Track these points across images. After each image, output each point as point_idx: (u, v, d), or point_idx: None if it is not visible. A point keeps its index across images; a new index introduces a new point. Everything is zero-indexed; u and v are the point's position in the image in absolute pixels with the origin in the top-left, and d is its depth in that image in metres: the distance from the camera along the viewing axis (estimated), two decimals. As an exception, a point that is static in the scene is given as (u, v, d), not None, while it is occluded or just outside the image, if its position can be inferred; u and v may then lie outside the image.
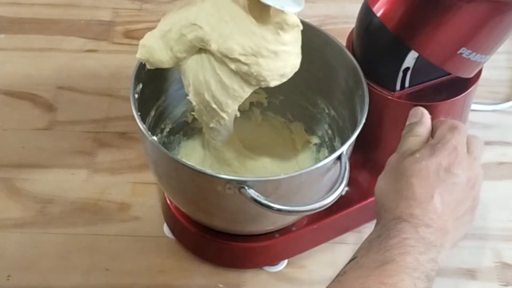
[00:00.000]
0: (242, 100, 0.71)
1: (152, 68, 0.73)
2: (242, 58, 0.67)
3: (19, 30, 1.13)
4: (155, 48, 0.72)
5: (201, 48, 0.70)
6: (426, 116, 0.73)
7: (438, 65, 0.72)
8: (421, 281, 0.62)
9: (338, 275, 0.64)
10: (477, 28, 0.69)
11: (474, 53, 0.71)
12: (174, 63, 0.72)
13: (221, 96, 0.71)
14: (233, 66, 0.67)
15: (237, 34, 0.66)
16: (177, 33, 0.70)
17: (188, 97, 0.74)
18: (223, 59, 0.68)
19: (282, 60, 0.68)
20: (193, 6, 0.71)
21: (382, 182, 0.71)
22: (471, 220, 0.71)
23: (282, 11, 0.65)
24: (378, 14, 0.72)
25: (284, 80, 0.70)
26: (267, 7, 0.66)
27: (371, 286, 0.60)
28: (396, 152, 0.72)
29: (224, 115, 0.73)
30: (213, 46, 0.67)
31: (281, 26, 0.66)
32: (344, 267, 0.64)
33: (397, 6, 0.71)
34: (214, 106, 0.72)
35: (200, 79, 0.71)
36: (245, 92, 0.70)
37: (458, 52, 0.70)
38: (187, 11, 0.71)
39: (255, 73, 0.68)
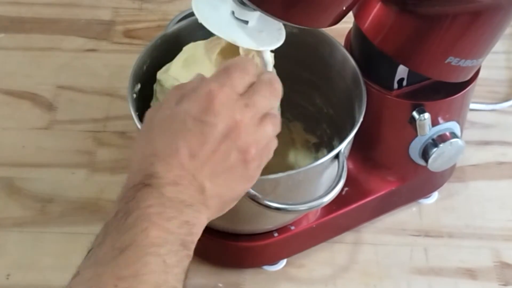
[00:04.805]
0: None
1: None
2: None
3: (19, 29, 1.13)
4: (152, 104, 0.75)
5: None
6: (200, 75, 0.60)
7: (428, 76, 0.72)
8: (173, 254, 0.53)
9: (72, 277, 0.53)
10: (460, 37, 0.68)
11: (463, 60, 0.70)
12: None
13: None
14: None
15: None
16: (158, 84, 0.73)
17: None
18: None
19: None
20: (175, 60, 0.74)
21: (135, 141, 0.61)
22: (243, 178, 0.59)
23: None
24: (365, 32, 0.73)
25: None
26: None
27: (105, 286, 0.50)
28: None
29: None
30: None
31: None
32: (79, 266, 0.54)
33: (379, 23, 0.71)
34: None
35: None
36: None
37: (446, 61, 0.70)
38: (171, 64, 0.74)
39: None
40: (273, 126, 0.59)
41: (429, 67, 0.71)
